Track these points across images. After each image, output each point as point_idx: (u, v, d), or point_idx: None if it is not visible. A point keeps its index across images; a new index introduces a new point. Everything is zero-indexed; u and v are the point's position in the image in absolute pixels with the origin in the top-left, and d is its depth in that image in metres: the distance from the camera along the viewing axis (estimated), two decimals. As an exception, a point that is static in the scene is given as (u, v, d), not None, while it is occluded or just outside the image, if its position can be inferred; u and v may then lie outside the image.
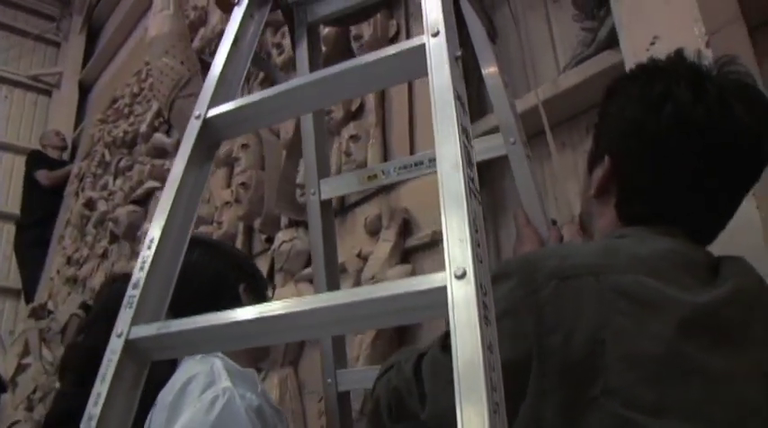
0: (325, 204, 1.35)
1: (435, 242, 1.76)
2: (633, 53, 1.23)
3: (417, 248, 1.82)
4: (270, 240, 2.47)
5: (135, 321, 0.74)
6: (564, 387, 0.69)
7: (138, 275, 0.78)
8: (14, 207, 5.97)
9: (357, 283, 1.86)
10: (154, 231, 0.81)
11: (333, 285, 1.35)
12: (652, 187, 0.85)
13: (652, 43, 1.20)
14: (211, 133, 0.90)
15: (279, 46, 2.43)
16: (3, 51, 6.32)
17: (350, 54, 2.23)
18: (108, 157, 4.64)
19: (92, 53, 6.43)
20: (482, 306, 0.57)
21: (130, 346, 0.73)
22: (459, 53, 0.74)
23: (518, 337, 0.71)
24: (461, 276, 0.57)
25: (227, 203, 2.69)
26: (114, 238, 4.09)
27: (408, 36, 2.12)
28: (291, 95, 0.84)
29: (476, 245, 0.59)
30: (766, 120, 0.83)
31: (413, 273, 1.76)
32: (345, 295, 0.62)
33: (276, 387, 2.06)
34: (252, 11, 1.07)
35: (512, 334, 0.71)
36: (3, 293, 5.94)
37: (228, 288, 1.27)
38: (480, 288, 0.57)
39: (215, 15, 3.42)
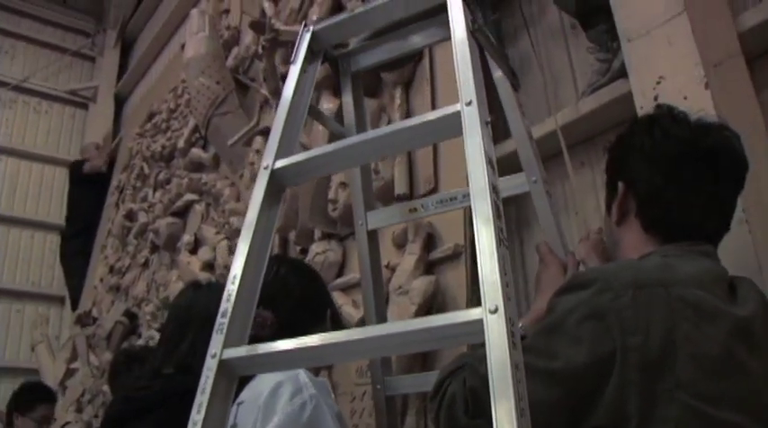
0: (371, 234, 1.50)
1: (457, 254, 1.88)
2: (641, 92, 1.36)
3: (441, 260, 1.94)
4: (304, 252, 2.59)
5: (226, 344, 0.91)
6: (643, 381, 0.82)
7: (226, 306, 0.94)
8: (55, 217, 6.20)
9: (385, 292, 2.01)
10: (236, 269, 0.97)
11: (380, 304, 1.50)
12: (660, 192, 1.03)
13: (658, 82, 1.33)
14: (278, 181, 1.06)
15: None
16: (42, 68, 6.58)
17: (376, 78, 2.37)
18: (147, 170, 4.77)
19: (126, 66, 6.66)
20: (510, 334, 0.72)
21: (223, 365, 0.90)
22: (489, 119, 0.89)
23: (603, 337, 0.84)
24: (494, 311, 0.73)
25: (263, 217, 2.83)
26: (155, 248, 4.25)
27: (432, 62, 2.23)
28: (349, 151, 1.00)
29: (505, 285, 0.74)
30: (737, 137, 1.04)
31: (436, 283, 1.90)
32: (402, 325, 0.78)
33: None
34: (306, 67, 1.23)
35: (596, 335, 0.85)
36: (47, 300, 6.14)
37: (321, 311, 1.49)
38: (509, 320, 0.73)
39: (248, 35, 3.54)
